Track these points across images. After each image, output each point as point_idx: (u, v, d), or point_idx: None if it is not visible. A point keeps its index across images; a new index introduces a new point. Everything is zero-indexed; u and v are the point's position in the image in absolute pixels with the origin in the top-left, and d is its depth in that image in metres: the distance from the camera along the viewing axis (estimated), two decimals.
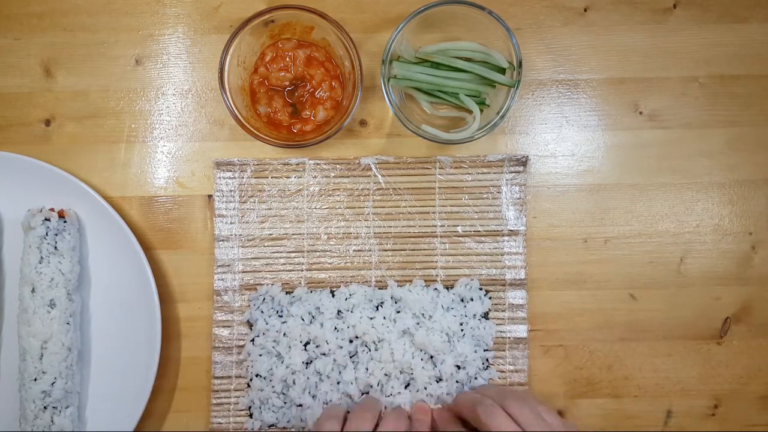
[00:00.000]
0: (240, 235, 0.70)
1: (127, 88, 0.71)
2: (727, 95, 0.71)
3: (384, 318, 0.68)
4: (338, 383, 0.68)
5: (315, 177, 0.70)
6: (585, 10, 0.71)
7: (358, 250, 0.70)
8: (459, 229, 0.70)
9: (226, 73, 0.65)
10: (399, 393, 0.67)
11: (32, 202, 0.68)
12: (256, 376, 0.68)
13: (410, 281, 0.70)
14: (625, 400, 0.71)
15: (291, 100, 0.68)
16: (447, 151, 0.71)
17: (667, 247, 0.71)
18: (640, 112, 0.71)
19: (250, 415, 0.69)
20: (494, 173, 0.70)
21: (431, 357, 0.68)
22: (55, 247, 0.65)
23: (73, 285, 0.66)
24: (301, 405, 0.68)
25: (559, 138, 0.72)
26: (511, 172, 0.71)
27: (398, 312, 0.69)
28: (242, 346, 0.70)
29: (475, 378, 0.69)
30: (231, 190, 0.70)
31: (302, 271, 0.70)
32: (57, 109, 0.71)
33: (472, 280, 0.70)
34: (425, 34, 0.69)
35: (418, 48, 0.68)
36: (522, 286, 0.70)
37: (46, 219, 0.65)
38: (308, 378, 0.68)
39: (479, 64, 0.66)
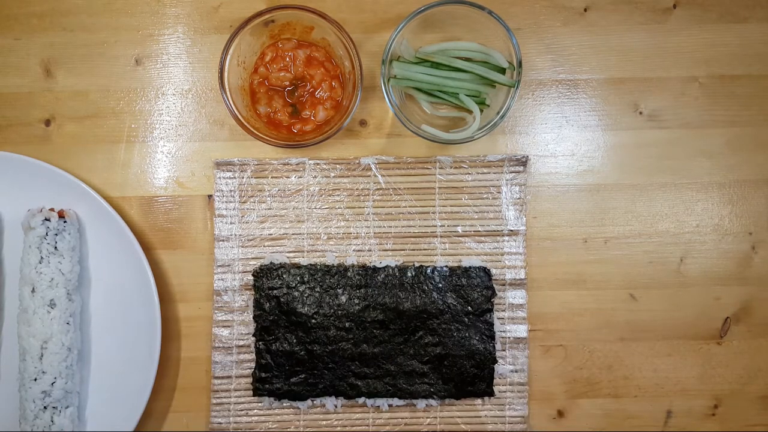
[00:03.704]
0: (240, 235, 0.70)
1: (127, 88, 0.71)
2: (727, 95, 0.71)
3: None
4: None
5: (315, 177, 0.70)
6: (585, 10, 0.71)
7: (358, 250, 0.70)
8: (459, 229, 0.70)
9: (226, 73, 0.65)
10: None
11: (32, 202, 0.68)
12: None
13: None
14: (625, 400, 0.71)
15: (291, 100, 0.68)
16: (447, 151, 0.71)
17: (667, 247, 0.71)
18: (640, 112, 0.71)
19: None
20: (494, 173, 0.70)
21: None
22: (55, 247, 0.65)
23: (73, 285, 0.66)
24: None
25: (559, 138, 0.72)
26: (511, 172, 0.71)
27: None
28: (242, 346, 0.70)
29: None
30: (231, 190, 0.70)
31: None
32: (57, 109, 0.71)
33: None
34: (425, 34, 0.69)
35: (418, 48, 0.68)
36: (522, 286, 0.70)
37: (46, 219, 0.65)
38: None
39: (479, 64, 0.66)
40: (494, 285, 0.69)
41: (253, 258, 0.70)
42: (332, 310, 0.68)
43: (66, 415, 0.65)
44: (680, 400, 0.71)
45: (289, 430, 0.69)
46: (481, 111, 0.67)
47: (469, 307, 0.68)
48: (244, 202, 0.70)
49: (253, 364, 0.69)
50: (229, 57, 0.65)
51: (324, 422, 0.69)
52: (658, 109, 0.71)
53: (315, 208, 0.70)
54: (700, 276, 0.71)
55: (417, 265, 0.69)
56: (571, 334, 0.71)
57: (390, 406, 0.69)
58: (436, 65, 0.66)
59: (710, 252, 0.71)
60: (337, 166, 0.70)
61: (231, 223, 0.70)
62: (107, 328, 0.69)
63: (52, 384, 0.64)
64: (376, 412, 0.69)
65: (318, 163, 0.70)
